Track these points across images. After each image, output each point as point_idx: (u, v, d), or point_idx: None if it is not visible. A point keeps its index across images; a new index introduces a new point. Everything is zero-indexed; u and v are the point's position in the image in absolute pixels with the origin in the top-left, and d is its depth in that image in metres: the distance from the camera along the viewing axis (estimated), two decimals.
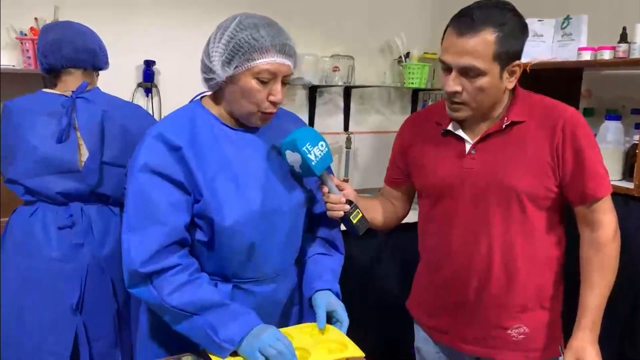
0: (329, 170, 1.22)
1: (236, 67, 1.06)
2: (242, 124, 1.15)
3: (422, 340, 1.43)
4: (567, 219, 1.26)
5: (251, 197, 1.11)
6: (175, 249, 1.06)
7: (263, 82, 1.07)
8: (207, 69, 1.10)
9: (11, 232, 1.51)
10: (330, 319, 1.17)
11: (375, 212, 1.39)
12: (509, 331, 1.25)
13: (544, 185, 1.18)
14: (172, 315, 1.05)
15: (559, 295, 1.28)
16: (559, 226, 1.26)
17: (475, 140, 1.23)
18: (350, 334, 1.15)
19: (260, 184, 1.13)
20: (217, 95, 1.15)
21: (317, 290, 1.18)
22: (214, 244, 1.12)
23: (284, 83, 1.11)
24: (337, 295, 1.20)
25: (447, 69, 1.17)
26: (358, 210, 1.22)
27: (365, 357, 1.09)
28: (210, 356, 1.06)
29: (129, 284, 1.07)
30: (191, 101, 1.19)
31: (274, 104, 1.10)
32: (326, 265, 1.24)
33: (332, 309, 1.16)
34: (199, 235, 1.12)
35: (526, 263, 1.22)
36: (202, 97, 1.19)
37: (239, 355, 1.03)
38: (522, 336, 1.25)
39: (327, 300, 1.17)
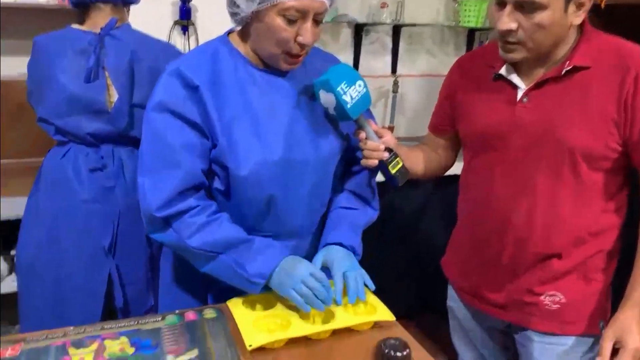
0: (367, 114, 1.11)
1: (260, 2, 0.94)
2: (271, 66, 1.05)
3: (453, 299, 1.35)
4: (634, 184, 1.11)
5: (272, 146, 1.02)
6: (191, 192, 1.01)
7: (291, 21, 0.96)
8: (231, 2, 0.99)
9: (45, 173, 1.50)
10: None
11: (417, 161, 1.28)
12: (543, 298, 1.14)
13: (605, 143, 1.03)
14: (197, 257, 1.01)
15: (610, 268, 1.15)
16: (620, 192, 1.11)
17: (529, 86, 1.08)
18: (387, 288, 1.08)
19: (285, 132, 1.04)
20: (244, 31, 1.05)
21: (326, 245, 1.11)
22: (230, 194, 1.05)
23: (316, 22, 0.99)
24: (350, 249, 1.10)
25: (501, 3, 1.01)
26: (398, 159, 1.11)
27: (405, 318, 1.02)
28: (230, 306, 1.03)
29: (148, 229, 1.03)
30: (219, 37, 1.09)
31: (302, 45, 0.99)
32: (345, 218, 1.14)
33: (328, 265, 1.07)
34: (217, 184, 1.05)
35: (572, 229, 1.09)
36: (229, 33, 1.09)
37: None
38: (556, 305, 1.13)
39: (325, 253, 1.08)
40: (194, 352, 0.91)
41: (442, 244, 2.56)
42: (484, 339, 1.32)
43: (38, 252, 1.51)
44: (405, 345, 0.92)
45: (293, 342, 0.94)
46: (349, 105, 1.02)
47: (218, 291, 1.11)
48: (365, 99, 1.06)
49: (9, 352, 0.89)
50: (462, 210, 1.30)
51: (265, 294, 1.06)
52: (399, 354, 0.89)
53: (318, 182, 1.10)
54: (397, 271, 2.33)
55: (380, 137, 1.11)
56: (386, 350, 0.90)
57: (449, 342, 1.41)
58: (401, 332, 1.00)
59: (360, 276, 1.05)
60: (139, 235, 1.54)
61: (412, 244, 2.35)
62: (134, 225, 1.54)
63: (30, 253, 1.53)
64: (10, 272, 1.88)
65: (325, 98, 1.04)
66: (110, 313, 1.59)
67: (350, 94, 1.02)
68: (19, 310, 1.61)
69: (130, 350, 0.90)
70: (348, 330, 0.99)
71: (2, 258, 1.85)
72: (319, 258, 1.08)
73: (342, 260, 1.06)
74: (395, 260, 2.33)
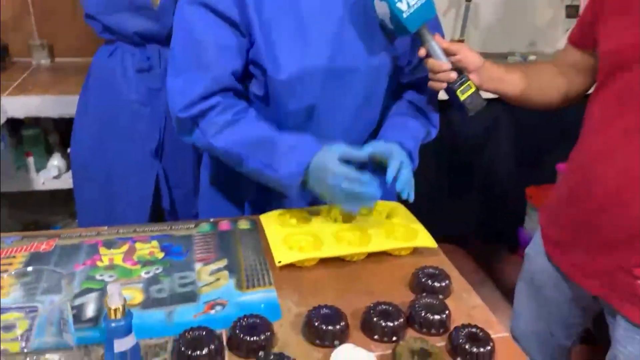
0: (433, 27, 0.97)
1: None
2: None
3: (536, 248, 1.15)
4: None
5: (317, 50, 0.91)
6: (218, 93, 0.93)
7: None
8: None
9: (93, 72, 1.48)
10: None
11: (514, 84, 1.03)
12: None
13: None
14: (225, 158, 0.96)
15: None
16: None
17: None
18: (438, 211, 1.00)
19: (332, 37, 0.92)
20: None
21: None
22: (269, 101, 0.97)
23: None
24: (407, 153, 0.97)
25: None
26: (469, 82, 0.95)
27: (455, 244, 0.95)
28: (262, 220, 0.98)
29: (177, 130, 0.99)
30: None
31: None
32: (403, 125, 1.02)
33: (380, 156, 0.93)
34: (254, 88, 0.97)
35: None
36: None
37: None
38: None
39: (377, 144, 0.95)
40: (223, 262, 0.88)
41: (504, 172, 2.41)
42: (559, 305, 1.11)
43: (90, 151, 1.53)
44: (445, 276, 0.85)
45: (324, 262, 0.89)
46: (404, 15, 0.88)
47: (255, 198, 1.07)
48: (427, 8, 0.90)
49: (43, 247, 0.89)
50: (574, 148, 1.06)
51: (301, 209, 1.01)
52: (436, 284, 0.83)
53: (366, 96, 0.99)
54: (451, 195, 2.23)
55: (450, 54, 0.95)
56: (423, 279, 0.83)
57: (498, 273, 1.34)
58: (442, 261, 0.93)
59: (411, 179, 0.94)
60: None
61: (471, 168, 2.23)
62: None
63: (83, 152, 1.55)
64: (68, 169, 1.94)
65: (380, 8, 0.91)
66: (158, 215, 1.62)
67: (408, 2, 0.88)
68: (75, 206, 1.67)
69: (160, 255, 0.89)
70: (384, 255, 0.93)
71: (60, 155, 1.90)
72: (368, 149, 0.94)
73: (400, 154, 0.94)
74: (450, 183, 2.22)
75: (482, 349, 0.70)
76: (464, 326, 0.74)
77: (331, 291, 0.83)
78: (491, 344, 0.71)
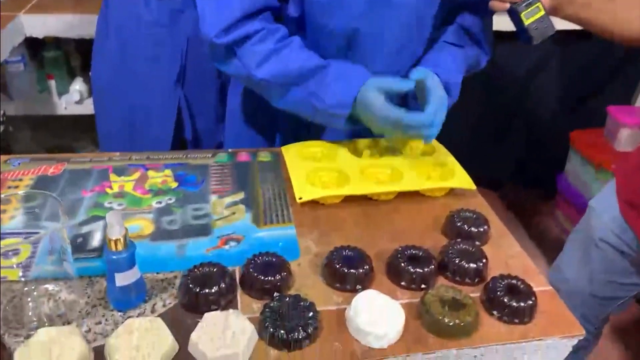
0: None
1: None
2: None
3: (603, 203, 1.05)
4: None
5: None
6: (256, 15, 0.83)
7: None
8: None
9: None
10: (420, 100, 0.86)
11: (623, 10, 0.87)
12: None
13: None
14: (267, 90, 0.88)
15: None
16: None
17: None
18: (473, 150, 0.91)
19: None
20: None
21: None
22: (305, 24, 0.87)
23: None
24: (445, 85, 0.87)
25: None
26: (538, 4, 0.82)
27: (488, 188, 0.86)
28: (284, 152, 0.91)
29: (211, 56, 0.90)
30: None
31: None
32: (449, 52, 0.92)
33: (419, 85, 0.84)
34: (291, 9, 0.87)
35: None
36: None
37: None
38: None
39: (417, 74, 0.84)
40: (240, 195, 0.81)
41: (548, 114, 2.26)
42: (617, 266, 1.02)
43: (109, 76, 1.46)
44: (483, 220, 0.77)
45: (350, 200, 0.82)
46: None
47: (288, 130, 0.99)
48: None
49: (51, 170, 0.84)
50: None
51: (328, 142, 0.93)
52: (473, 229, 0.75)
53: (419, 19, 0.88)
54: (488, 135, 2.11)
55: None
56: (458, 223, 0.75)
57: (532, 220, 1.24)
58: (480, 204, 0.84)
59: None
60: (208, 65, 1.44)
61: (513, 108, 2.09)
62: (203, 54, 1.43)
63: (103, 76, 1.48)
64: (90, 94, 1.89)
65: None
66: (181, 145, 1.57)
67: None
68: (97, 132, 1.63)
69: (173, 185, 0.83)
70: (416, 195, 0.84)
71: (83, 79, 1.84)
72: (412, 78, 0.84)
73: (438, 88, 0.84)
74: (489, 123, 2.09)
75: (522, 304, 0.62)
76: (502, 277, 0.66)
77: (355, 232, 0.76)
78: (533, 298, 0.63)
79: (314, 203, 0.81)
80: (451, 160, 0.90)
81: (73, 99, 1.80)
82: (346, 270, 0.65)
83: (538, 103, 2.10)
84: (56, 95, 1.81)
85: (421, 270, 0.66)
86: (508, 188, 2.27)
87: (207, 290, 0.61)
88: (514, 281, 0.66)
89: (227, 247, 0.71)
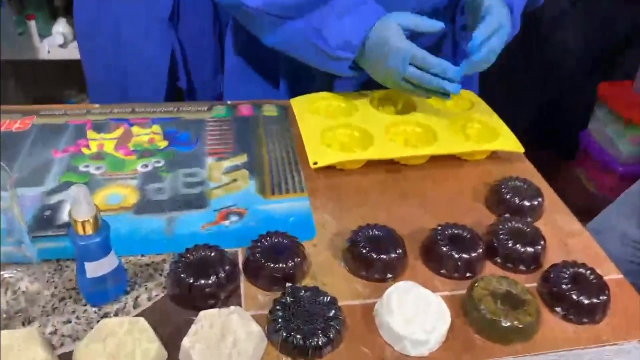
0: None
1: None
2: None
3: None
4: None
5: None
6: None
7: None
8: None
9: None
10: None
11: None
12: None
13: None
14: (259, 23, 0.73)
15: None
16: None
17: None
18: (501, 110, 0.77)
19: None
20: None
21: None
22: None
23: None
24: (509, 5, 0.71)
25: None
26: None
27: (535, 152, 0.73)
28: (294, 106, 0.76)
29: None
30: None
31: None
32: None
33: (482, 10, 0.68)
34: None
35: None
36: None
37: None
38: None
39: None
40: (242, 158, 0.68)
41: (569, 68, 2.09)
42: None
43: (93, 16, 1.30)
44: (536, 192, 0.64)
45: (374, 165, 0.68)
46: None
47: (295, 79, 0.84)
48: None
49: (16, 126, 0.70)
50: None
51: (346, 94, 0.78)
52: (526, 202, 0.62)
53: None
54: (508, 90, 1.95)
55: None
56: (507, 195, 0.62)
57: (549, 182, 1.10)
58: (529, 172, 0.71)
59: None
60: (203, 5, 1.28)
61: (535, 59, 1.92)
62: None
63: (86, 16, 1.32)
64: (75, 37, 1.72)
65: None
66: (177, 98, 1.42)
67: None
68: (86, 81, 1.48)
69: (162, 144, 0.69)
70: (454, 159, 0.71)
71: (66, 21, 1.67)
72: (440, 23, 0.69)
73: (501, 13, 0.68)
74: (509, 76, 1.93)
75: (594, 300, 0.50)
76: (565, 264, 0.54)
77: (381, 205, 0.63)
78: (606, 291, 0.51)
79: (330, 168, 0.67)
80: (494, 117, 0.76)
81: (56, 42, 1.64)
82: (375, 256, 0.52)
83: (559, 57, 1.94)
84: (37, 38, 1.64)
85: (467, 256, 0.54)
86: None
87: (202, 282, 0.49)
88: (580, 269, 0.53)
89: (226, 222, 0.58)
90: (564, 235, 0.61)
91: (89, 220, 0.44)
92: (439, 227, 0.56)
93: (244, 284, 0.52)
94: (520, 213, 0.61)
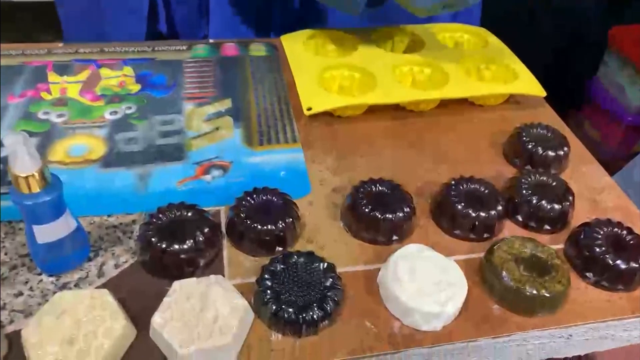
0: None
1: None
2: None
3: None
4: None
5: None
6: None
7: None
8: None
9: None
10: None
11: None
12: None
13: None
14: None
15: None
16: None
17: None
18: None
19: None
20: None
21: None
22: None
23: None
24: None
25: None
26: None
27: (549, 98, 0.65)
28: (285, 44, 0.67)
29: None
30: None
31: None
32: None
33: None
34: None
35: None
36: None
37: None
38: None
39: None
40: (226, 104, 0.60)
41: (577, 13, 1.97)
42: None
43: None
44: (561, 140, 0.56)
45: (377, 111, 0.60)
46: None
47: (289, 16, 0.75)
48: None
49: None
50: None
51: (344, 30, 0.69)
52: (550, 153, 0.54)
53: None
54: (505, 36, 1.84)
55: None
56: (530, 144, 0.54)
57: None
58: (551, 118, 0.63)
59: None
60: None
61: (556, 11, 1.80)
62: None
63: None
64: None
65: None
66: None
67: None
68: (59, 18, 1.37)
69: (134, 88, 0.61)
70: (467, 104, 0.63)
71: None
72: None
73: None
74: (512, 20, 1.81)
75: (633, 264, 0.44)
76: (598, 222, 0.47)
77: (386, 156, 0.56)
78: None
79: (327, 115, 0.59)
80: (512, 56, 0.67)
81: None
82: (379, 215, 0.45)
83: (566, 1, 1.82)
84: None
85: (485, 214, 0.46)
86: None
87: (177, 246, 0.41)
88: (615, 229, 0.46)
89: (208, 177, 0.51)
90: (592, 190, 0.54)
91: (33, 175, 0.36)
92: (453, 182, 0.49)
93: (227, 249, 0.45)
94: (543, 165, 0.53)
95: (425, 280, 0.41)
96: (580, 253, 0.45)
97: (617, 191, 0.54)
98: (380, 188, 0.48)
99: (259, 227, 0.43)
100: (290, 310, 0.38)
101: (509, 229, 0.49)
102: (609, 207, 0.52)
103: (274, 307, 0.38)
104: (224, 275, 0.42)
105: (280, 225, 0.44)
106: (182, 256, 0.41)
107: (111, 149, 0.53)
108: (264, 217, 0.44)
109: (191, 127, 0.56)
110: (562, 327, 0.42)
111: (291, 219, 0.45)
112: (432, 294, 0.40)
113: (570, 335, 0.43)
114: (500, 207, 0.47)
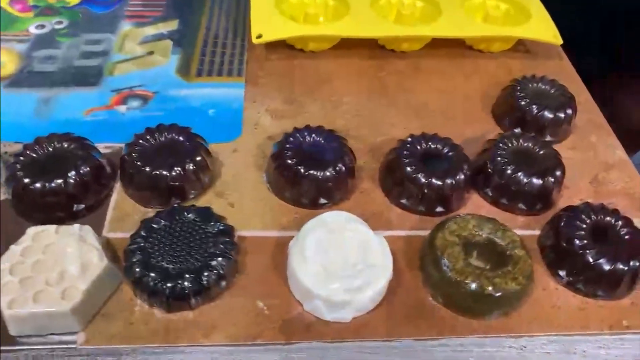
0: None
1: None
2: None
3: None
4: None
5: None
6: None
7: None
8: None
9: None
10: None
11: None
12: None
13: None
14: None
15: None
16: None
17: None
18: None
19: None
20: None
21: None
22: None
23: None
24: None
25: None
26: None
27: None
28: None
29: None
30: None
31: None
32: None
33: None
34: None
35: None
36: None
37: None
38: None
39: None
40: (171, 25, 0.51)
41: None
42: None
43: None
44: (567, 101, 0.44)
45: (351, 46, 0.50)
46: None
47: None
48: None
49: None
50: None
51: None
52: (547, 113, 0.43)
53: None
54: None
55: None
56: (523, 101, 0.43)
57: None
58: (567, 74, 0.51)
59: None
60: None
61: None
62: None
63: None
64: None
65: None
66: None
67: None
68: None
69: (73, 0, 0.53)
70: (461, 46, 0.52)
71: None
72: None
73: None
74: None
75: (620, 265, 0.33)
76: (587, 207, 0.36)
77: (350, 104, 0.46)
78: None
79: (289, 48, 0.50)
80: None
81: None
82: (302, 171, 0.36)
83: None
84: None
85: (440, 182, 0.37)
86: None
87: (39, 185, 0.34)
88: (608, 217, 0.36)
89: (122, 108, 0.43)
90: (598, 166, 0.42)
91: None
92: (410, 139, 0.39)
93: (117, 195, 0.37)
94: (537, 128, 0.42)
95: (338, 259, 0.32)
96: (557, 244, 0.35)
97: (629, 171, 0.42)
98: (316, 138, 0.39)
99: (150, 170, 0.35)
100: (156, 278, 0.31)
101: (475, 205, 0.39)
102: (614, 190, 0.41)
103: (137, 272, 0.31)
104: (103, 226, 0.35)
105: (177, 172, 0.36)
106: (49, 199, 0.34)
107: (24, 66, 0.45)
108: (160, 159, 0.36)
109: (122, 49, 0.48)
110: (514, 335, 0.33)
111: (193, 166, 0.36)
112: (341, 278, 0.31)
113: (524, 347, 0.33)
114: (461, 176, 0.37)
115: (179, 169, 0.36)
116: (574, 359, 0.35)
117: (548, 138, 0.43)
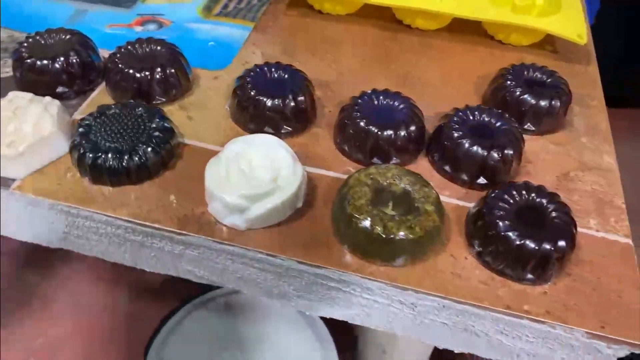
0: None
1: None
2: None
3: None
4: None
5: None
6: None
7: None
8: None
9: None
10: None
11: None
12: None
13: None
14: None
15: None
16: None
17: None
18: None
19: None
20: None
21: None
22: None
23: None
24: None
25: None
26: None
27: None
28: None
29: None
30: None
31: None
32: None
33: None
34: None
35: None
36: None
37: None
38: None
39: None
40: None
41: None
42: None
43: None
44: (559, 91, 0.41)
45: (369, 14, 0.51)
46: None
47: None
48: None
49: None
50: None
51: None
52: (530, 99, 0.40)
53: None
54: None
55: None
56: (508, 82, 0.41)
57: None
58: (590, 75, 0.47)
59: None
60: None
61: None
62: None
63: None
64: None
65: None
66: None
67: None
68: None
69: None
70: (483, 35, 0.51)
71: None
72: None
73: None
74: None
75: (536, 246, 0.30)
76: (521, 186, 0.34)
77: (341, 65, 0.47)
78: (568, 241, 0.31)
79: (309, 9, 0.52)
80: None
81: None
82: (261, 98, 0.38)
83: None
84: None
85: (382, 133, 0.36)
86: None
87: (40, 62, 0.40)
88: (540, 199, 0.33)
89: (139, 28, 0.48)
90: (573, 164, 0.39)
91: None
92: (366, 93, 0.39)
93: (99, 92, 0.42)
94: (518, 116, 0.40)
95: (248, 170, 0.34)
96: (477, 215, 0.33)
97: (611, 179, 0.38)
98: (280, 73, 0.40)
99: (122, 68, 0.39)
100: (86, 148, 0.34)
101: (422, 167, 0.38)
102: (581, 189, 0.37)
103: (75, 141, 0.35)
104: (77, 110, 0.40)
105: (146, 75, 0.39)
106: (42, 79, 0.40)
107: None
108: (137, 64, 0.40)
109: None
110: (397, 285, 0.31)
111: (162, 75, 0.40)
112: (244, 187, 0.33)
113: (414, 305, 0.32)
114: (403, 132, 0.37)
115: (147, 73, 0.39)
116: (478, 342, 0.33)
117: (528, 126, 0.40)
